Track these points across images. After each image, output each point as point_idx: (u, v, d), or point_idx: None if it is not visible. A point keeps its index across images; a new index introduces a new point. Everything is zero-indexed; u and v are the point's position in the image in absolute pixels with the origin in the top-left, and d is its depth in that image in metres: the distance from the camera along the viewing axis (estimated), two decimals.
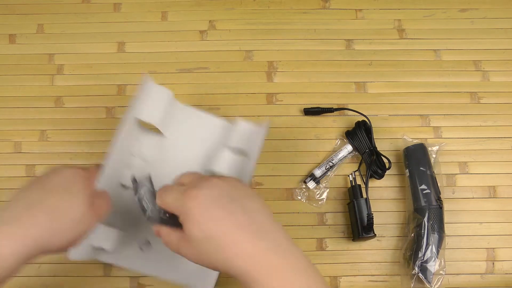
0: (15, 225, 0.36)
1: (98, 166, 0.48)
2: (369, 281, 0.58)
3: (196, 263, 0.38)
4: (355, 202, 0.57)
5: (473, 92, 0.65)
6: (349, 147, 0.61)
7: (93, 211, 0.42)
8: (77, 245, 0.41)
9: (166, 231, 0.40)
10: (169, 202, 0.39)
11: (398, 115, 0.64)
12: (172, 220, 0.40)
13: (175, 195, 0.39)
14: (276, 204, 0.60)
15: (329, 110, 0.63)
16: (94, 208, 0.42)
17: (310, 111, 0.63)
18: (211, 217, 0.36)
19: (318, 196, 0.60)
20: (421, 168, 0.58)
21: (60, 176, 0.42)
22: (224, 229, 0.35)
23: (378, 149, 0.60)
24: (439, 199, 0.57)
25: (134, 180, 0.44)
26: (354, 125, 0.62)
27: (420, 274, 0.54)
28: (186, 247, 0.38)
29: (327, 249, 0.59)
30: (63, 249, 0.40)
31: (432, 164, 0.59)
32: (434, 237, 0.55)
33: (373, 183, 0.61)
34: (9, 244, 0.35)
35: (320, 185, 0.61)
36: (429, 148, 0.60)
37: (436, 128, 0.63)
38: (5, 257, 0.35)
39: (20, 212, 0.37)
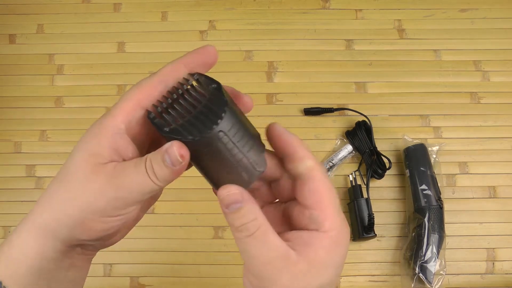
0: (35, 223, 0.30)
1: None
2: (369, 281, 0.58)
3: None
4: (355, 202, 0.57)
5: (473, 92, 0.65)
6: (349, 147, 0.61)
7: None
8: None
9: (272, 230, 0.30)
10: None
11: (398, 115, 0.64)
12: None
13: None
14: None
15: (329, 110, 0.63)
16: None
17: (310, 111, 0.63)
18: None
19: None
20: (421, 168, 0.58)
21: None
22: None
23: (378, 149, 0.60)
24: (439, 199, 0.57)
25: None
26: (354, 125, 0.62)
27: (420, 274, 0.54)
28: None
29: None
30: (88, 239, 0.31)
31: (432, 164, 0.59)
32: (435, 237, 0.55)
33: (373, 183, 0.61)
34: (30, 244, 0.30)
35: None
36: (429, 148, 0.60)
37: (436, 128, 0.63)
38: (29, 257, 0.30)
39: (40, 207, 0.30)
